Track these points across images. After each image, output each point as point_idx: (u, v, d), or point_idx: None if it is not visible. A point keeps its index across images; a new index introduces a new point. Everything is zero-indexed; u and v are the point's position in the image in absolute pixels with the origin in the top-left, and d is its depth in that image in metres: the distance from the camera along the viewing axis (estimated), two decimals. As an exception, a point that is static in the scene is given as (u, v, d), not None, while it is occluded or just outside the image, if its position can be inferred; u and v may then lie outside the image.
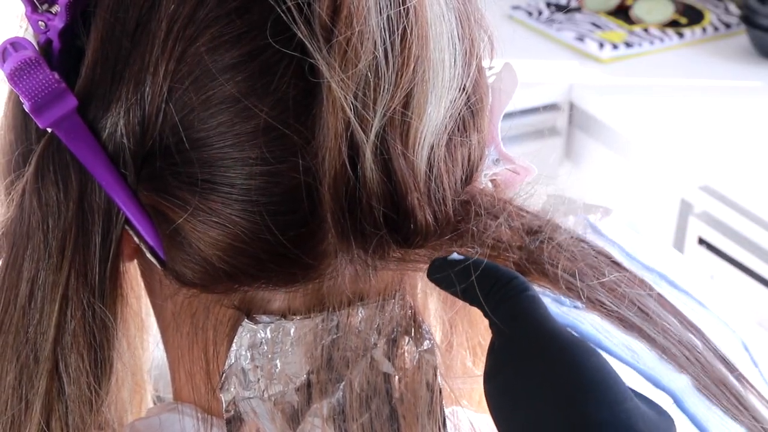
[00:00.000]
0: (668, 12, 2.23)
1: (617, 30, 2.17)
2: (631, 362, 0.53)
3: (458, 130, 0.54)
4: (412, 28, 0.49)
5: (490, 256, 0.54)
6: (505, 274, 0.51)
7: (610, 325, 0.54)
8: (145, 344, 0.66)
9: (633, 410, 0.47)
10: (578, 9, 2.27)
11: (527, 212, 0.56)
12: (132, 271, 0.60)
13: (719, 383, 0.56)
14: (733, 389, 0.56)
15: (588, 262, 0.56)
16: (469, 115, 0.55)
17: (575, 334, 0.50)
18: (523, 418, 0.48)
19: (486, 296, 0.51)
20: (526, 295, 0.50)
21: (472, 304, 0.52)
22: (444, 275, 0.52)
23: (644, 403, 0.49)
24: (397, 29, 0.48)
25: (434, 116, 0.51)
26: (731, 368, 0.58)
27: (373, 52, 0.48)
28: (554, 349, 0.48)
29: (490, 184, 0.59)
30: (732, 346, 0.62)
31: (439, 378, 0.56)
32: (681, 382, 0.54)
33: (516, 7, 2.25)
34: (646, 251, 0.63)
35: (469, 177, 0.56)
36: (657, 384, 0.54)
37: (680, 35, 2.17)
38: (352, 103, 0.48)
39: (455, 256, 0.52)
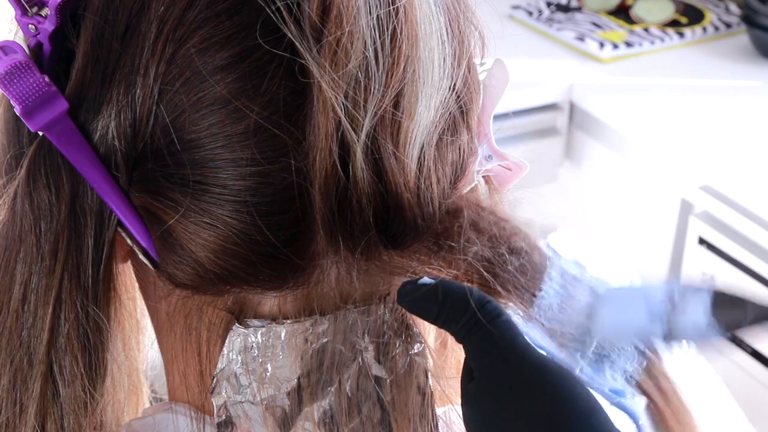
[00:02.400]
0: (669, 11, 2.23)
1: (617, 30, 2.17)
2: (598, 386, 0.54)
3: (448, 129, 0.54)
4: (401, 28, 0.49)
5: (467, 272, 0.54)
6: (478, 299, 0.51)
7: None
8: (140, 345, 0.66)
9: None
10: (578, 8, 2.27)
11: (510, 227, 0.56)
12: (126, 272, 0.60)
13: (667, 407, 0.57)
14: (679, 414, 0.57)
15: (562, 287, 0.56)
16: (460, 114, 0.55)
17: (551, 358, 0.50)
18: None
19: (460, 322, 0.51)
20: (501, 320, 0.50)
21: (444, 328, 0.52)
22: (414, 300, 0.52)
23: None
24: (387, 29, 0.48)
25: (425, 115, 0.51)
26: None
27: (363, 52, 0.48)
28: (539, 379, 0.48)
29: (482, 181, 0.59)
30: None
31: (430, 381, 0.56)
32: (641, 404, 0.56)
33: (516, 7, 2.25)
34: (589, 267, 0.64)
35: (458, 176, 0.56)
36: (622, 407, 0.55)
37: (681, 35, 2.16)
38: (342, 103, 0.48)
39: (425, 280, 0.52)
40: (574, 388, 0.48)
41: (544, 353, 0.50)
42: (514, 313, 0.54)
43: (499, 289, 0.54)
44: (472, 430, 0.51)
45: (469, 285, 0.52)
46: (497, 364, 0.49)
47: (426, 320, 0.53)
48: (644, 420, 0.56)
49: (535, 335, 0.53)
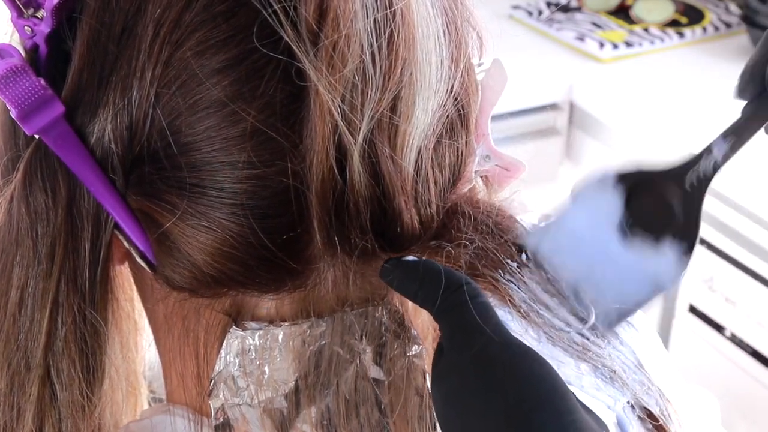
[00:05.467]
0: (668, 11, 2.22)
1: (617, 30, 2.17)
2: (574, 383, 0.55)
3: (446, 131, 0.54)
4: (399, 31, 0.49)
5: (470, 268, 0.54)
6: (456, 279, 0.51)
7: (560, 352, 0.55)
8: (138, 346, 0.66)
9: (580, 422, 0.47)
10: (578, 8, 2.27)
11: (508, 216, 0.57)
12: (124, 274, 0.60)
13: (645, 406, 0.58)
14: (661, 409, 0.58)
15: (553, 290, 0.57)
16: (458, 116, 0.55)
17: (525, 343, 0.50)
18: (469, 424, 0.48)
19: (436, 300, 0.51)
20: (477, 301, 0.51)
21: (422, 306, 0.52)
22: (396, 276, 0.52)
23: (587, 413, 0.49)
24: (384, 32, 0.48)
25: (422, 118, 0.51)
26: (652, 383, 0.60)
27: (360, 56, 0.48)
28: (504, 358, 0.49)
29: (480, 181, 0.59)
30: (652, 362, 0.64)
31: (428, 382, 0.56)
32: (620, 404, 0.56)
33: (516, 7, 2.25)
34: None
35: (456, 179, 0.56)
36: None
37: (681, 35, 2.16)
38: (339, 106, 0.48)
39: (409, 258, 0.52)
40: (539, 366, 0.49)
41: (515, 336, 0.51)
42: (504, 306, 0.55)
43: (497, 284, 0.55)
44: (437, 408, 0.51)
45: (449, 266, 0.53)
46: (466, 341, 0.50)
47: (406, 297, 0.53)
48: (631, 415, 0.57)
49: (509, 321, 0.54)
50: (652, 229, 0.57)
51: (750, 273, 1.66)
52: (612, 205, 0.57)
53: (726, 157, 0.57)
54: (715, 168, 0.57)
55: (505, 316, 0.53)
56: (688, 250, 0.56)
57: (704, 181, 0.57)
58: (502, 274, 0.55)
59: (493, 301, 0.53)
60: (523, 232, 0.57)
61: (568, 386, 0.49)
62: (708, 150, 0.57)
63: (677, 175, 0.57)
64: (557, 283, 0.57)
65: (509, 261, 0.56)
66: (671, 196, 0.57)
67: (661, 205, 0.57)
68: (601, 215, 0.57)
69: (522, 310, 0.55)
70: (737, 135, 0.57)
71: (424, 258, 0.53)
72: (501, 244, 0.56)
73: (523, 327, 0.55)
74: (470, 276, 0.53)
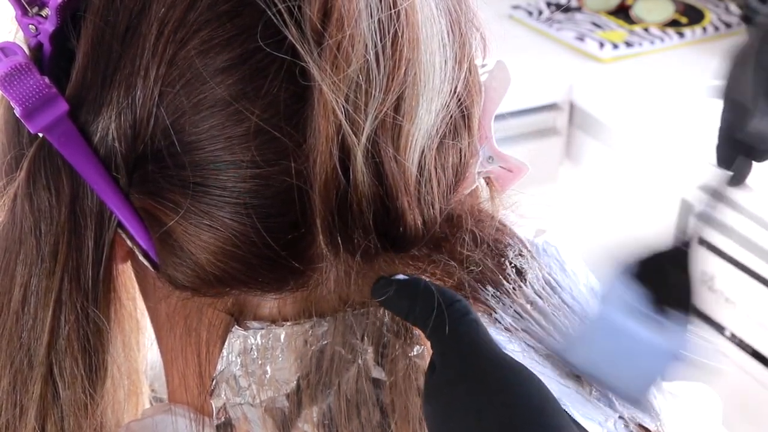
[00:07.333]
0: (668, 11, 2.23)
1: (617, 29, 2.17)
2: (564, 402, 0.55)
3: (449, 132, 0.54)
4: (402, 31, 0.49)
5: (462, 283, 0.55)
6: (447, 297, 0.52)
7: (550, 371, 0.56)
8: (140, 345, 0.66)
9: None
10: (578, 8, 2.27)
11: (509, 233, 0.57)
12: (126, 272, 0.60)
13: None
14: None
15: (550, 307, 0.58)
16: (461, 117, 0.55)
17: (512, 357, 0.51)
18: None
19: (428, 318, 0.51)
20: (467, 318, 0.51)
21: (414, 324, 0.53)
22: (387, 295, 0.53)
23: (578, 428, 0.49)
24: (388, 32, 0.48)
25: (425, 119, 0.51)
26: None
27: (364, 56, 0.48)
28: (496, 374, 0.49)
29: (483, 182, 0.60)
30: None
31: None
32: (611, 420, 0.57)
33: (516, 7, 2.25)
34: (579, 269, 0.65)
35: (459, 179, 0.56)
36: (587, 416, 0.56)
37: (680, 35, 2.16)
38: (343, 106, 0.48)
39: (400, 276, 0.53)
40: (531, 382, 0.49)
41: (506, 353, 0.51)
42: (495, 324, 0.55)
43: (490, 302, 0.55)
44: (429, 425, 0.51)
45: (441, 284, 0.53)
46: (456, 358, 0.50)
47: (398, 316, 0.53)
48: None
49: (503, 341, 0.54)
50: (661, 305, 0.59)
51: (750, 273, 1.66)
52: (630, 295, 0.59)
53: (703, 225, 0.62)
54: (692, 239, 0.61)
55: (496, 334, 0.54)
56: (685, 317, 0.58)
57: (687, 252, 0.59)
58: (497, 293, 0.56)
59: (485, 319, 0.54)
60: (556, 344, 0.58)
61: (560, 403, 0.49)
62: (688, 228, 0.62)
63: (669, 254, 0.62)
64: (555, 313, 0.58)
65: (505, 280, 0.56)
66: (668, 274, 0.61)
67: (662, 283, 0.59)
68: (623, 308, 0.59)
69: (513, 329, 0.56)
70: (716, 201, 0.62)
71: (416, 275, 0.53)
72: (498, 262, 0.56)
73: (514, 345, 0.56)
74: (463, 293, 0.53)
